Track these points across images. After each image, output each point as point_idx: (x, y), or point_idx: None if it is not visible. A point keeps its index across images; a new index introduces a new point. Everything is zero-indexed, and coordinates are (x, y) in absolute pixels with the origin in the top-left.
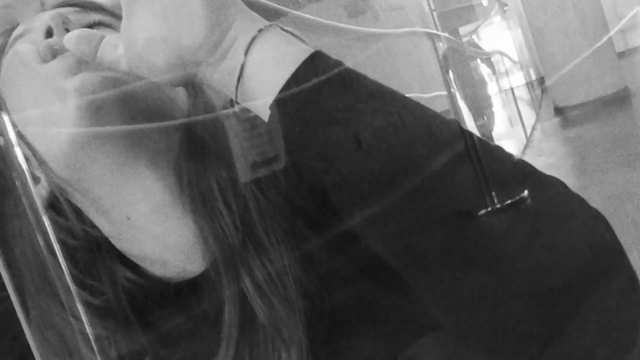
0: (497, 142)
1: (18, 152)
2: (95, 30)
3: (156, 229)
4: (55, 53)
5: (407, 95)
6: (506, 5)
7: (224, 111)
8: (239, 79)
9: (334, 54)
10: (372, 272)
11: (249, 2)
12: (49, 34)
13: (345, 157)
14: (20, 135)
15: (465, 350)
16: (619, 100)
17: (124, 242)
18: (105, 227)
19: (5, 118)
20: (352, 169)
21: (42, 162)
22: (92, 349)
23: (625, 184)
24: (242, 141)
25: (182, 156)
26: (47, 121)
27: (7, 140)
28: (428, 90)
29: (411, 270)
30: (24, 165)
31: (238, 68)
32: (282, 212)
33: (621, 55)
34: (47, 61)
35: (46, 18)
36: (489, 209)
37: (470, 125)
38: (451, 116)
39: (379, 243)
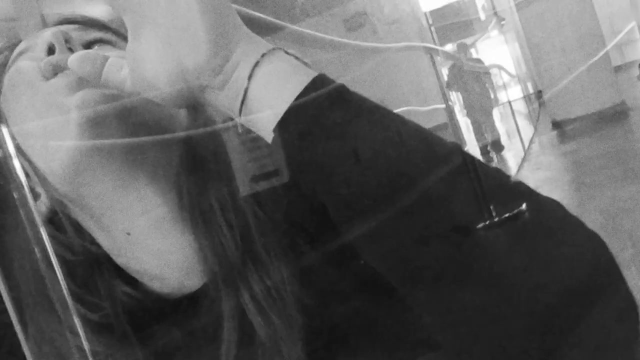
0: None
1: (16, 164)
2: (98, 52)
3: (156, 245)
4: (56, 70)
5: (405, 108)
6: (503, 19)
7: (225, 125)
8: (242, 103)
9: (332, 68)
10: (371, 288)
11: (248, 18)
12: (50, 51)
13: (345, 173)
14: (21, 151)
15: None
16: (616, 114)
17: (123, 258)
18: (105, 242)
19: (5, 130)
20: (352, 185)
21: (42, 178)
22: None
23: (622, 198)
24: (242, 155)
25: (182, 172)
26: (48, 137)
27: (6, 153)
28: (426, 104)
29: (408, 286)
30: (23, 178)
31: (242, 92)
32: (281, 228)
33: (618, 69)
34: (48, 78)
35: (48, 35)
36: (487, 222)
37: (468, 137)
38: (449, 129)
39: (377, 259)
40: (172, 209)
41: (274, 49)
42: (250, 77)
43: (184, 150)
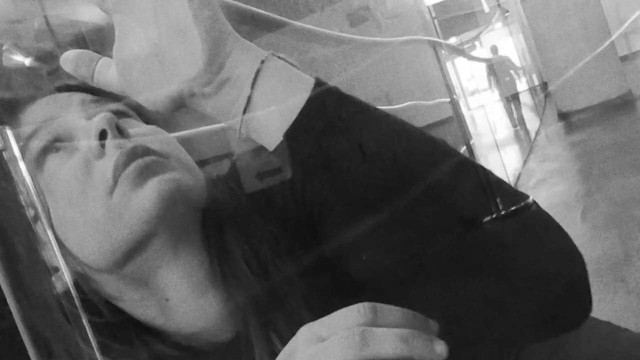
0: (501, 148)
1: (22, 167)
2: (91, 51)
3: (193, 305)
4: (116, 175)
5: (410, 102)
6: (507, 11)
7: (220, 125)
8: (245, 111)
9: (337, 63)
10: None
11: (250, 15)
12: (102, 136)
13: (356, 169)
14: (47, 223)
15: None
16: (622, 104)
17: (157, 320)
18: (138, 311)
19: (9, 132)
20: (361, 179)
21: (71, 257)
22: None
23: (630, 188)
24: (246, 155)
25: (208, 233)
26: (101, 230)
27: (11, 155)
28: (430, 98)
29: (417, 279)
30: (29, 180)
31: (244, 100)
32: (299, 273)
33: (624, 59)
34: (111, 190)
35: (99, 122)
36: (494, 215)
37: (474, 131)
38: (454, 122)
39: (384, 253)
40: (207, 268)
41: (270, 54)
42: (253, 85)
43: (203, 214)
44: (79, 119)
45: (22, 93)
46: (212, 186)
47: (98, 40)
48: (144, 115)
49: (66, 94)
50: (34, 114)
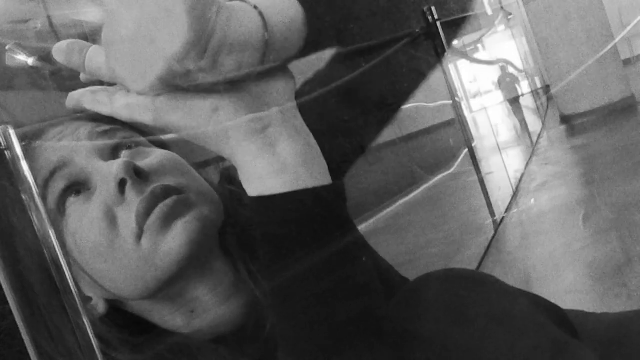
0: (503, 152)
1: (24, 166)
2: (83, 41)
3: (219, 312)
4: (141, 224)
5: (412, 104)
6: (510, 14)
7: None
8: (264, 54)
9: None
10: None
11: None
12: (121, 184)
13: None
14: (74, 262)
15: None
16: (625, 108)
17: (182, 330)
18: (164, 323)
19: (11, 131)
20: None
21: (102, 288)
22: None
23: (633, 193)
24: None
25: (226, 243)
26: (132, 278)
27: (14, 155)
28: (433, 100)
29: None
30: (31, 180)
31: (261, 46)
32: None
33: (627, 62)
34: (137, 236)
35: (117, 170)
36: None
37: (476, 134)
38: (456, 125)
39: None
40: (231, 277)
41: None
42: (266, 27)
43: (223, 226)
44: (93, 159)
45: (34, 125)
46: (224, 199)
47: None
48: (150, 134)
49: (74, 125)
50: (46, 154)
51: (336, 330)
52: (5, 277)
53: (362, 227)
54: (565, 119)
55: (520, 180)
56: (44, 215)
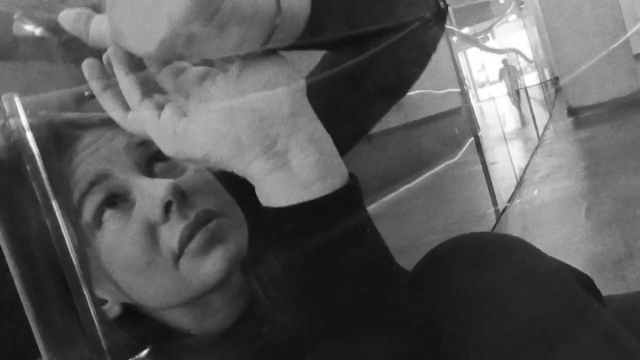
0: (509, 142)
1: (29, 137)
2: (89, 10)
3: (226, 312)
4: (182, 247)
5: (419, 91)
6: (522, 3)
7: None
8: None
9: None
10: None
11: None
12: (167, 207)
13: None
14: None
15: None
16: (633, 102)
17: (192, 331)
18: (178, 325)
19: (17, 100)
20: None
21: (124, 294)
22: None
23: (636, 187)
24: None
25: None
26: (164, 297)
27: (20, 125)
28: (440, 87)
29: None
30: (35, 150)
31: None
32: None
33: (638, 57)
34: (177, 256)
35: (162, 193)
36: (497, 207)
37: (482, 123)
38: (463, 113)
39: None
40: (241, 281)
41: None
42: (279, 6)
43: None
44: (132, 173)
45: (68, 130)
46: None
47: None
48: None
49: (109, 133)
50: (84, 164)
51: (339, 313)
52: (16, 271)
53: None
54: (572, 111)
55: (524, 171)
56: (48, 189)
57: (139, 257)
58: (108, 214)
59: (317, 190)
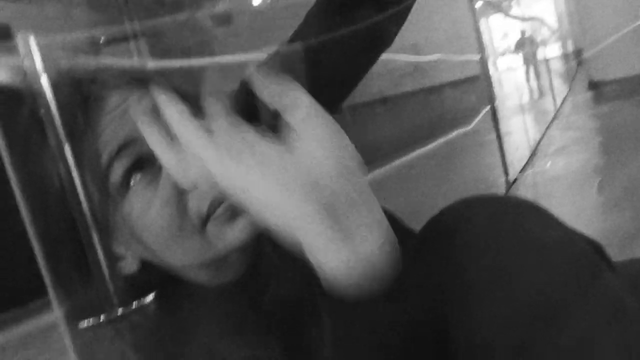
0: (526, 113)
1: (44, 81)
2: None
3: (237, 266)
4: (211, 212)
5: (438, 55)
6: None
7: None
8: None
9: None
10: None
11: None
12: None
13: None
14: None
15: None
16: None
17: (207, 283)
18: (193, 278)
19: (32, 38)
20: None
21: (145, 249)
22: None
23: None
24: None
25: None
26: (189, 257)
27: (33, 65)
28: (460, 53)
29: None
30: (49, 94)
31: None
32: None
33: None
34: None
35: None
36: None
37: (500, 93)
38: (481, 81)
39: None
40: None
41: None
42: None
43: None
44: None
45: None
46: None
47: None
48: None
49: (137, 93)
50: (112, 127)
51: None
52: (28, 214)
53: (373, 174)
54: (593, 85)
55: (538, 143)
56: (61, 134)
57: (167, 222)
58: (136, 177)
59: (376, 256)
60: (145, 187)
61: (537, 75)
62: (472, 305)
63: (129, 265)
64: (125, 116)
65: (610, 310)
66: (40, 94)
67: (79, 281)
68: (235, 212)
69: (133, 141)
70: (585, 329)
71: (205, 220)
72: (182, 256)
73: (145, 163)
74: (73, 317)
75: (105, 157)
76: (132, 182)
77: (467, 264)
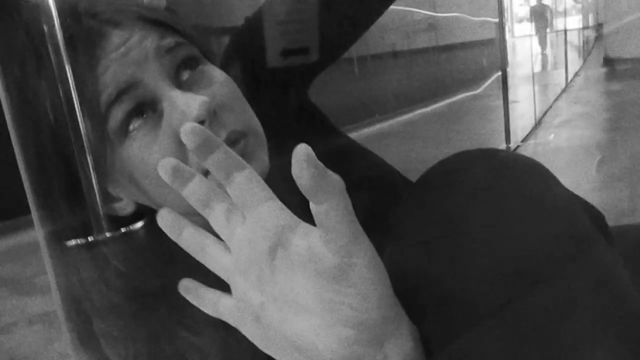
0: (536, 83)
1: (51, 2)
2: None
3: None
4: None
5: (455, 13)
6: None
7: None
8: None
9: None
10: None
11: None
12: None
13: None
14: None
15: None
16: None
17: (198, 222)
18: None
19: None
20: None
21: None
22: None
23: None
24: (277, 25)
25: None
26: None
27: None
28: (478, 15)
29: None
30: (55, 14)
31: None
32: None
33: None
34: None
35: (198, 110)
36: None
37: (512, 59)
38: (495, 46)
39: None
40: None
41: None
42: None
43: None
44: (162, 81)
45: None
46: None
47: None
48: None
49: (140, 33)
50: (113, 68)
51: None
52: (15, 133)
53: (375, 128)
54: (608, 62)
55: (544, 114)
56: (63, 53)
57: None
58: (136, 123)
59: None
60: (146, 134)
61: (552, 46)
62: (461, 257)
63: (125, 208)
64: (126, 57)
65: (596, 279)
66: (44, 7)
67: (67, 204)
68: None
69: (134, 85)
70: (567, 293)
71: (207, 171)
72: (180, 204)
73: (145, 108)
74: (58, 237)
75: (104, 100)
76: (131, 128)
77: (461, 215)
